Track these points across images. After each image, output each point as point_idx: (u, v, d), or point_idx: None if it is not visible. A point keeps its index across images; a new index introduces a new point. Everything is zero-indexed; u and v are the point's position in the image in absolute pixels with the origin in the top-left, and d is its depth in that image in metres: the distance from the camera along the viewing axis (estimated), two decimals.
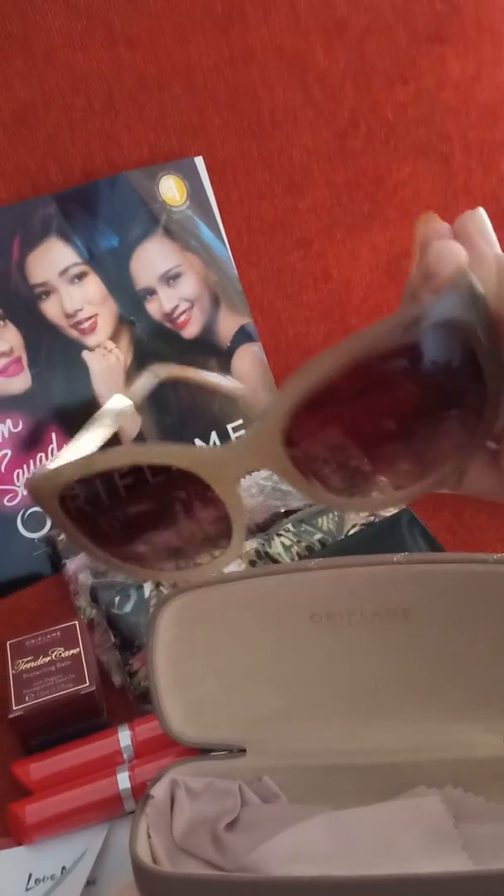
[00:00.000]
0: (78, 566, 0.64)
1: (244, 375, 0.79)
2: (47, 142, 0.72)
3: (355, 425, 0.28)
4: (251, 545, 0.62)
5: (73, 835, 0.49)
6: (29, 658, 0.54)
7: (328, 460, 0.28)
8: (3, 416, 0.70)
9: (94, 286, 0.73)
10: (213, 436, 0.76)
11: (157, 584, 0.60)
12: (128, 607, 0.59)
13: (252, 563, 0.62)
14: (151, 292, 0.75)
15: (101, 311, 0.73)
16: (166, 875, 0.39)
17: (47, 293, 0.72)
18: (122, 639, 0.58)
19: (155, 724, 0.47)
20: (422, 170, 0.85)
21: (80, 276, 0.73)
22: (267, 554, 0.62)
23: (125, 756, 0.51)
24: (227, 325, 0.78)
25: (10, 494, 0.70)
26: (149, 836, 0.42)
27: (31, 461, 0.70)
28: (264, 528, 0.65)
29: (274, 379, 0.80)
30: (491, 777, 0.44)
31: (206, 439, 0.76)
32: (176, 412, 0.75)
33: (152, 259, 0.75)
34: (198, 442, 0.76)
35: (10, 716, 0.52)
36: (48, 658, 0.54)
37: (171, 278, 0.76)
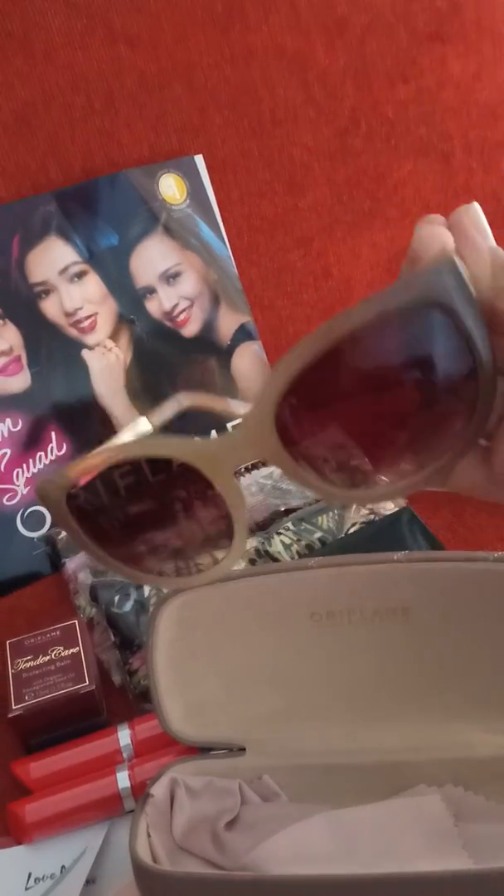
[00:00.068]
0: (77, 565, 0.64)
1: (244, 374, 0.79)
2: (47, 140, 0.72)
3: (343, 407, 0.28)
4: (251, 544, 0.62)
5: (72, 834, 0.49)
6: (28, 657, 0.54)
7: (318, 444, 0.28)
8: (3, 415, 0.70)
9: (93, 285, 0.73)
10: (213, 434, 0.76)
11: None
12: (127, 606, 0.59)
13: (252, 562, 0.62)
14: (151, 291, 0.75)
15: (100, 310, 0.73)
16: (166, 874, 0.39)
17: (47, 292, 0.71)
18: (122, 638, 0.58)
19: (155, 724, 0.47)
20: (422, 168, 0.85)
21: (80, 275, 0.73)
22: (267, 552, 0.62)
23: (125, 755, 0.51)
24: (227, 324, 0.78)
25: (10, 494, 0.69)
26: (149, 835, 0.42)
27: (31, 460, 0.70)
28: (264, 526, 0.65)
29: None
30: (491, 776, 0.44)
31: None
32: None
33: (152, 258, 0.75)
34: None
35: (10, 715, 0.51)
36: (48, 657, 0.54)
37: (170, 277, 0.76)
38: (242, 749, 0.46)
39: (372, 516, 0.64)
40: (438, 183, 0.86)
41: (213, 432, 0.76)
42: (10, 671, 0.54)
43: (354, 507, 0.65)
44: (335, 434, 0.28)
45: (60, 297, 0.72)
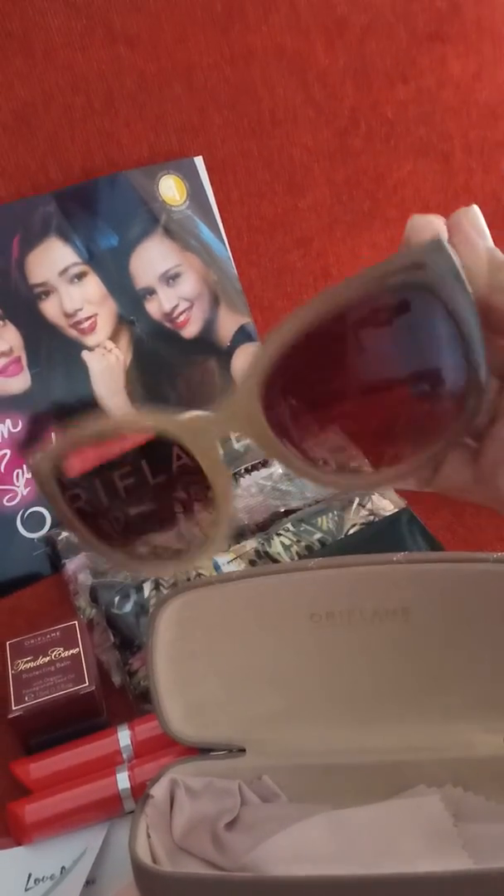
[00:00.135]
0: (77, 566, 0.64)
1: None
2: (47, 141, 0.72)
3: (328, 386, 0.27)
4: (251, 545, 0.62)
5: (72, 834, 0.49)
6: (28, 658, 0.54)
7: (302, 424, 0.28)
8: (3, 416, 0.70)
9: (93, 286, 0.73)
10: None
11: (157, 585, 0.60)
12: (127, 607, 0.59)
13: (252, 563, 0.62)
14: (151, 292, 0.75)
15: (100, 311, 0.73)
16: (166, 875, 0.39)
17: (47, 293, 0.71)
18: (122, 639, 0.58)
19: (155, 724, 0.47)
20: (422, 169, 0.85)
21: (80, 276, 0.73)
22: (266, 553, 0.62)
23: (125, 756, 0.51)
24: (227, 325, 0.78)
25: (10, 494, 0.69)
26: (148, 836, 0.42)
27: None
28: (264, 527, 0.65)
29: None
30: (491, 776, 0.44)
31: None
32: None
33: (152, 258, 0.75)
34: None
35: (10, 716, 0.51)
36: (48, 658, 0.54)
37: (170, 278, 0.76)
38: (242, 749, 0.46)
39: (371, 517, 0.64)
40: (438, 183, 0.86)
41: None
42: (10, 672, 0.54)
43: (354, 507, 0.65)
44: (320, 414, 0.28)
45: (60, 297, 0.72)
